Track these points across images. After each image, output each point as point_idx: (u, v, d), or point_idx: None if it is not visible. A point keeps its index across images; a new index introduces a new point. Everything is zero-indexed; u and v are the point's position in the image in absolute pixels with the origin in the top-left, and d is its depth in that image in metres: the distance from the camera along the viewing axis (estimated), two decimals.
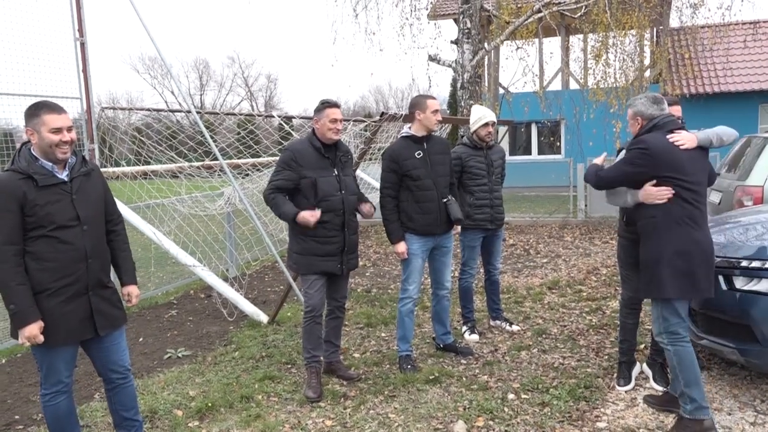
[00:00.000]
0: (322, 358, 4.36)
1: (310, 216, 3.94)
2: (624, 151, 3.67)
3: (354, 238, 4.27)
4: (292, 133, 8.28)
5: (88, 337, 3.06)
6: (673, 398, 3.67)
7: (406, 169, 4.37)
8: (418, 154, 4.40)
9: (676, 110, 3.93)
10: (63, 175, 2.97)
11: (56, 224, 2.90)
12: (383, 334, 5.45)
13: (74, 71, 6.39)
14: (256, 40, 71.46)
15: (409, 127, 4.53)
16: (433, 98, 4.51)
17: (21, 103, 5.64)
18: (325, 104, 4.12)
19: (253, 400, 4.08)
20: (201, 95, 53.46)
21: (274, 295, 7.19)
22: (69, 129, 2.95)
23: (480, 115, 5.04)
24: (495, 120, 5.03)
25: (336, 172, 4.16)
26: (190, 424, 3.78)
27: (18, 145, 3.02)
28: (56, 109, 2.94)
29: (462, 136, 5.25)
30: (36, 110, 2.91)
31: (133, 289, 3.34)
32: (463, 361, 4.69)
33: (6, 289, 2.82)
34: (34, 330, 2.84)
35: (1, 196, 2.82)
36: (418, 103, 4.45)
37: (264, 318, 5.95)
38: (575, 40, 17.76)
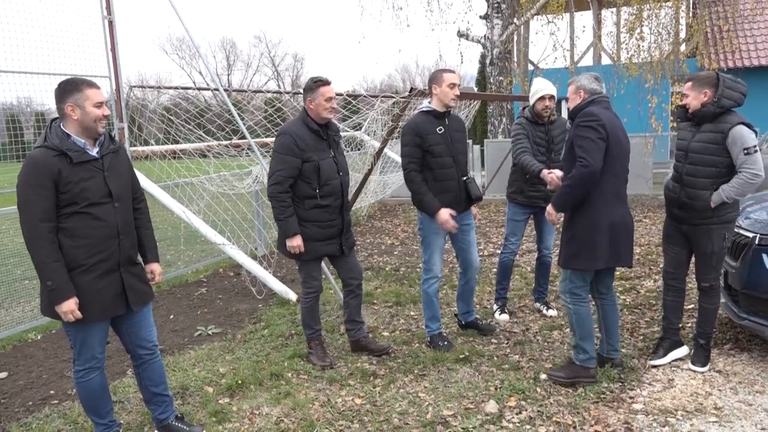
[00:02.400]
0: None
1: (298, 245, 4.05)
2: (573, 128, 3.64)
3: (349, 218, 4.30)
4: None
5: (120, 312, 3.07)
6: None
7: (429, 144, 4.20)
8: (440, 130, 4.25)
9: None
10: (94, 152, 2.97)
11: (89, 201, 2.90)
12: (412, 313, 5.41)
13: (103, 50, 6.39)
14: (282, 19, 71.35)
15: (429, 102, 4.35)
16: (452, 72, 4.28)
17: (50, 82, 5.66)
18: (318, 83, 3.99)
19: (283, 378, 4.08)
20: (228, 75, 53.82)
21: None
22: (106, 104, 3.01)
23: (537, 88, 4.78)
24: (554, 93, 4.75)
25: (332, 153, 4.09)
26: (220, 401, 3.80)
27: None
28: (95, 84, 2.98)
29: (524, 109, 5.02)
30: (78, 85, 2.91)
31: (156, 267, 3.35)
32: (494, 341, 4.62)
33: (43, 266, 2.84)
34: (71, 305, 2.86)
35: (37, 173, 2.82)
36: (434, 77, 4.28)
37: (293, 296, 5.95)
38: (608, 14, 17.29)
